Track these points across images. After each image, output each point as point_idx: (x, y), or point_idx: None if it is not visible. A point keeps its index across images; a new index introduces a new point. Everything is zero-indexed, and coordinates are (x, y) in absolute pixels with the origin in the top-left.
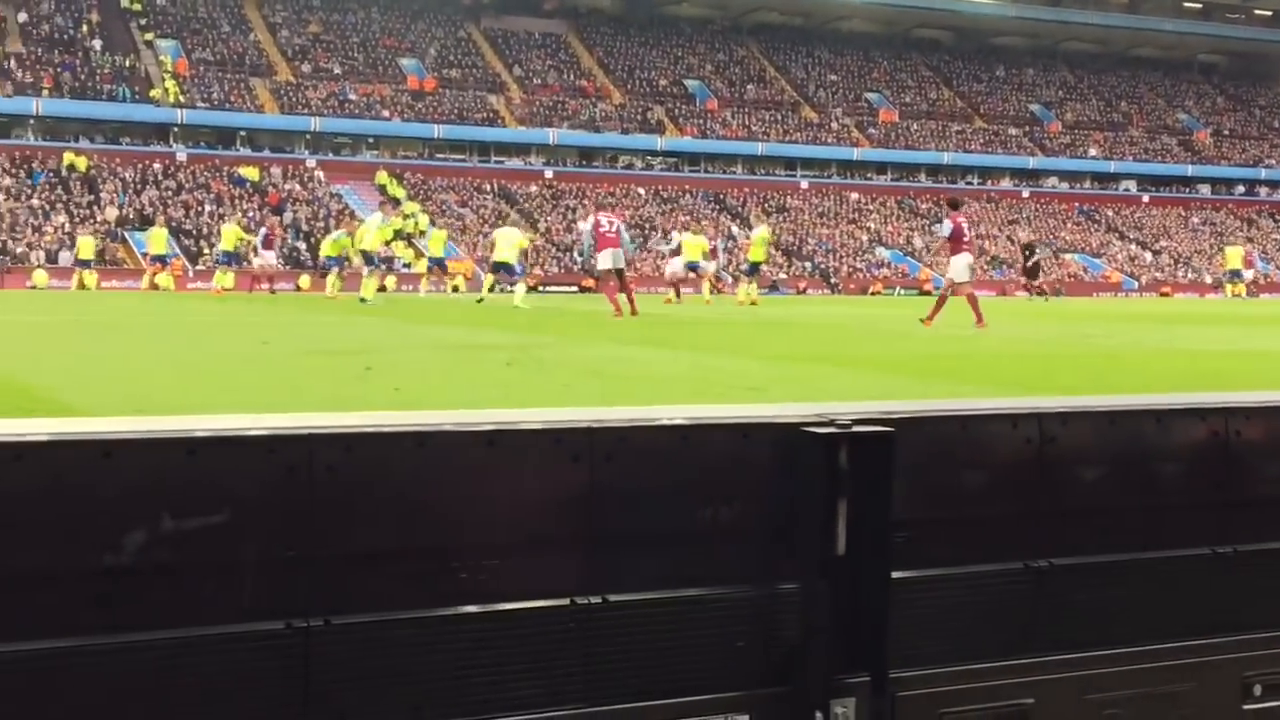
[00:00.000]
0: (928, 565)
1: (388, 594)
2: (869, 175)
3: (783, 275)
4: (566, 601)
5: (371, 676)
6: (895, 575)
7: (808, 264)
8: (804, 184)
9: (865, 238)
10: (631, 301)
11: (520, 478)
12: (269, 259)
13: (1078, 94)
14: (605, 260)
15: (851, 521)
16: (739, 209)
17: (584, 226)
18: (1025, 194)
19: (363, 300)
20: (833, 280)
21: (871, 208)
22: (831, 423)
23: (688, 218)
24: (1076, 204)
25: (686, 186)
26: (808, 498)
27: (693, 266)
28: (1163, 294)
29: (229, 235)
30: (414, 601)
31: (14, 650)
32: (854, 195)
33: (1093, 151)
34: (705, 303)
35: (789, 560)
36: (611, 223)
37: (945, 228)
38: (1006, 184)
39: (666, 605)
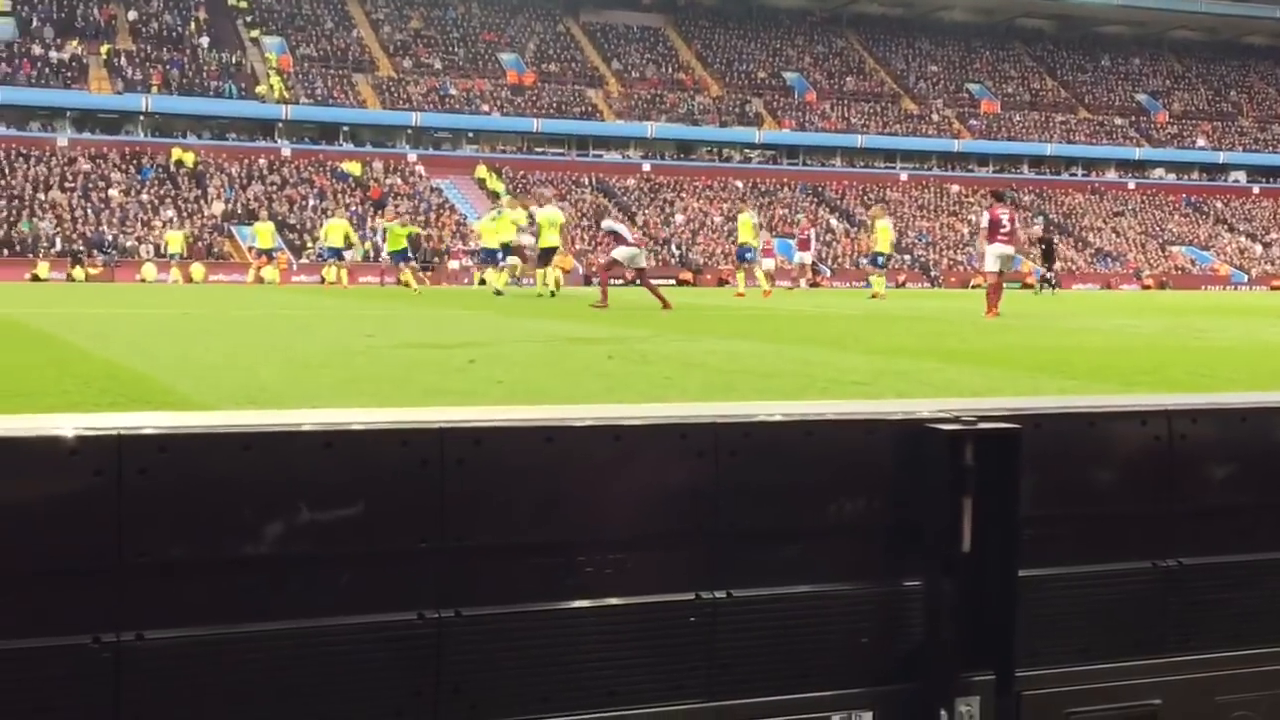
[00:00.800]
0: (1054, 563)
1: (518, 586)
2: (970, 167)
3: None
4: (691, 596)
5: (501, 667)
6: (1022, 573)
7: (907, 257)
8: (904, 176)
9: (966, 230)
10: (660, 296)
11: (646, 473)
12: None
13: (1185, 83)
14: (624, 255)
15: (977, 519)
16: (837, 202)
17: (619, 228)
18: (1131, 185)
19: (497, 293)
20: (933, 273)
21: (973, 200)
22: (957, 419)
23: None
24: (1184, 195)
25: (785, 179)
26: (933, 495)
27: (743, 253)
28: (1274, 288)
29: (335, 230)
30: (542, 593)
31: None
32: (955, 188)
33: (1201, 142)
34: (764, 293)
35: (914, 557)
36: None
37: (984, 218)
38: (1112, 175)
39: (790, 601)
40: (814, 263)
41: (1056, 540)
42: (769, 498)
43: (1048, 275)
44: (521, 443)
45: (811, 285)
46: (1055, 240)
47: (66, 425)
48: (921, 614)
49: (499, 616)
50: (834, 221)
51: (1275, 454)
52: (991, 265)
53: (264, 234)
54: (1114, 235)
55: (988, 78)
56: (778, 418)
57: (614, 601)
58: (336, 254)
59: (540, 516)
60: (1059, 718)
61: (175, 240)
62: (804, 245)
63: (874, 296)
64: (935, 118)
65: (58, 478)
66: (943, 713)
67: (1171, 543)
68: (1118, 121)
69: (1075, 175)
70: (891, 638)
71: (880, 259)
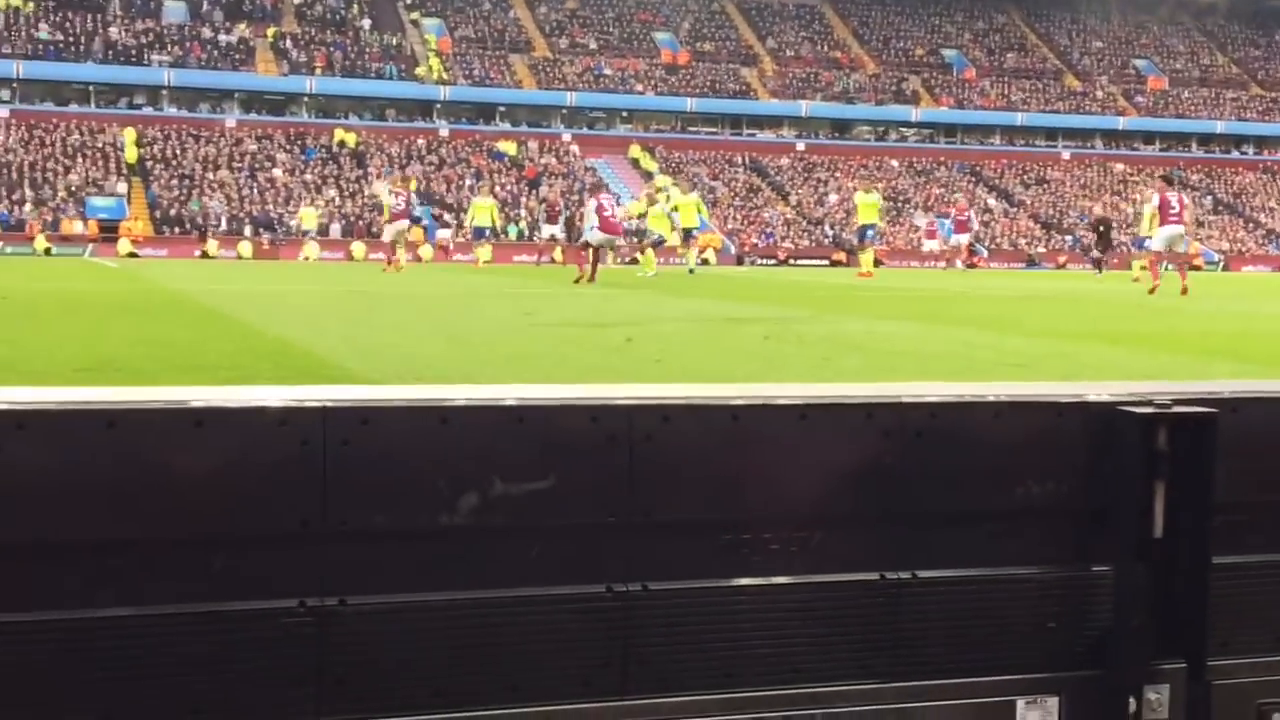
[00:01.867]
0: (1250, 551)
1: (695, 562)
2: (1135, 145)
3: (1042, 249)
4: (876, 576)
5: (682, 641)
6: (1215, 560)
7: (1068, 238)
8: (1066, 155)
9: (1131, 211)
10: (595, 269)
11: (831, 452)
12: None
13: None
14: (598, 238)
15: (1170, 505)
16: (996, 181)
17: (589, 207)
18: None
19: (648, 274)
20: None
21: (1138, 179)
22: (1150, 402)
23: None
24: None
25: (942, 158)
26: (1125, 479)
27: (864, 233)
28: None
29: (482, 210)
30: (720, 570)
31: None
32: (1119, 166)
33: None
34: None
35: (1104, 543)
36: (614, 206)
37: (1154, 199)
38: None
39: (976, 584)
40: (971, 244)
41: (1253, 527)
42: (955, 480)
43: (1101, 258)
44: (704, 422)
45: (969, 266)
46: (1113, 223)
47: (273, 397)
48: (1111, 600)
49: (680, 591)
50: (992, 201)
51: None
52: (1158, 245)
53: (482, 210)
54: None
55: (1155, 53)
56: (966, 398)
57: (798, 580)
58: (481, 233)
59: (723, 495)
60: (1251, 709)
61: (309, 217)
62: (962, 227)
63: (1137, 279)
64: (1099, 94)
65: (267, 446)
66: (1131, 701)
67: None
68: None
69: (1246, 154)
70: (1080, 623)
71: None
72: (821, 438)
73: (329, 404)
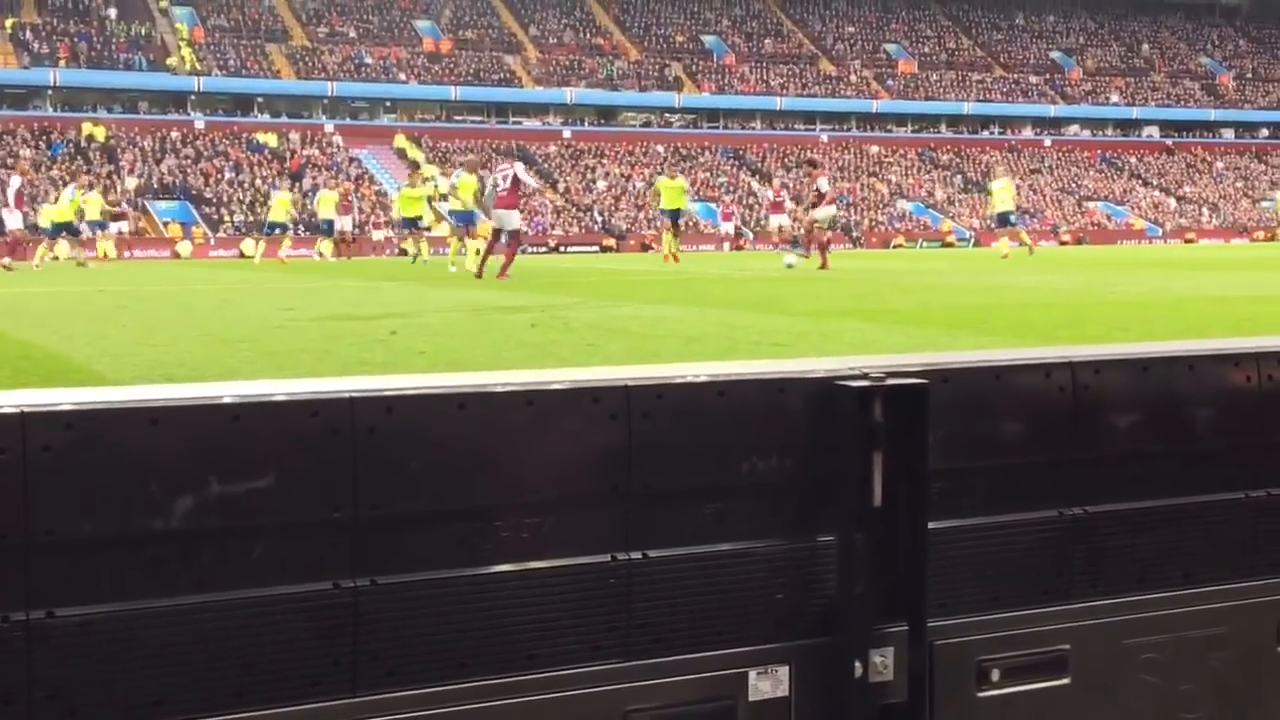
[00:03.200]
0: (964, 515)
1: (435, 552)
2: (889, 128)
3: (802, 231)
4: (608, 558)
5: (413, 634)
6: (932, 525)
7: None
8: (824, 138)
9: (886, 191)
10: (484, 262)
11: (560, 437)
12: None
13: (1099, 40)
14: (513, 221)
15: (887, 474)
16: (759, 165)
17: (499, 179)
18: (1047, 143)
19: (416, 260)
20: (855, 235)
21: (892, 160)
22: (865, 376)
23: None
24: (1099, 151)
25: (705, 143)
26: (844, 451)
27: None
28: (1187, 240)
29: (281, 205)
30: (451, 561)
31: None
32: (874, 148)
33: (1115, 98)
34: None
35: (827, 514)
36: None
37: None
38: (1028, 133)
39: (705, 560)
40: (737, 227)
41: (965, 493)
42: (682, 458)
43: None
44: (436, 409)
45: (735, 249)
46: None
47: None
48: (835, 569)
49: (417, 584)
50: (755, 185)
51: (1175, 402)
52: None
53: (282, 205)
54: (1031, 193)
55: (904, 38)
56: (689, 379)
57: (534, 565)
58: (329, 226)
59: (456, 483)
60: (971, 665)
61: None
62: (776, 208)
63: (1005, 256)
64: (853, 79)
65: None
66: (857, 664)
67: (1077, 491)
68: (1033, 79)
69: (993, 133)
70: (807, 593)
71: (1000, 218)
72: (549, 423)
73: (27, 409)
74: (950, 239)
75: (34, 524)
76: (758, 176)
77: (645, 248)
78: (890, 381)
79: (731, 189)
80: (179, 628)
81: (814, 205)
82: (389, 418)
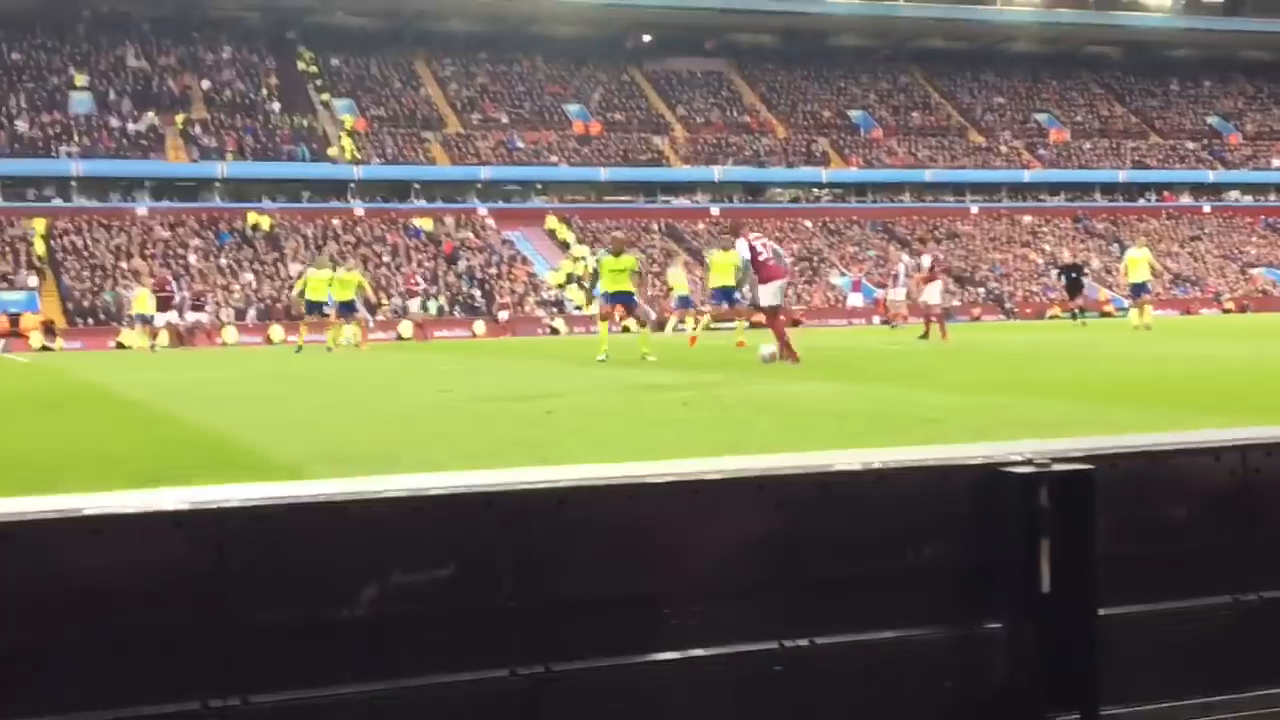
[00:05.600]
0: (1135, 601)
1: (597, 641)
2: (1042, 197)
3: (956, 302)
4: (775, 645)
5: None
6: (1102, 612)
7: (980, 290)
8: (974, 209)
9: (1040, 260)
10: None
11: (726, 525)
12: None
13: (1258, 104)
14: (771, 294)
15: (1055, 560)
16: (908, 237)
17: (740, 253)
18: (1206, 209)
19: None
20: (1007, 305)
21: (1045, 229)
22: (1030, 461)
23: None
24: (1261, 217)
25: (854, 217)
26: (1009, 537)
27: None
28: None
29: (318, 284)
30: (623, 648)
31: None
32: (1026, 218)
33: (1276, 162)
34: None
35: (993, 600)
36: (765, 245)
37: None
38: (1186, 199)
39: (871, 647)
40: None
41: (1137, 578)
42: (846, 546)
43: (1077, 305)
44: (607, 501)
45: (885, 323)
46: (1083, 268)
47: (169, 500)
48: (1003, 657)
49: (589, 671)
50: (906, 257)
51: None
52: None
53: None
54: (1192, 260)
55: (1055, 106)
56: (852, 467)
57: (701, 653)
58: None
59: (625, 571)
60: None
61: (142, 301)
62: (895, 282)
63: (1136, 328)
64: (1003, 149)
65: (162, 549)
66: None
67: (1251, 578)
68: (1190, 145)
69: (1149, 200)
70: (974, 681)
71: (1134, 288)
72: (716, 512)
73: (223, 505)
74: (1108, 308)
75: (230, 613)
76: (907, 250)
77: (795, 323)
78: (1056, 467)
79: (882, 262)
80: (364, 714)
81: (925, 282)
82: (561, 508)
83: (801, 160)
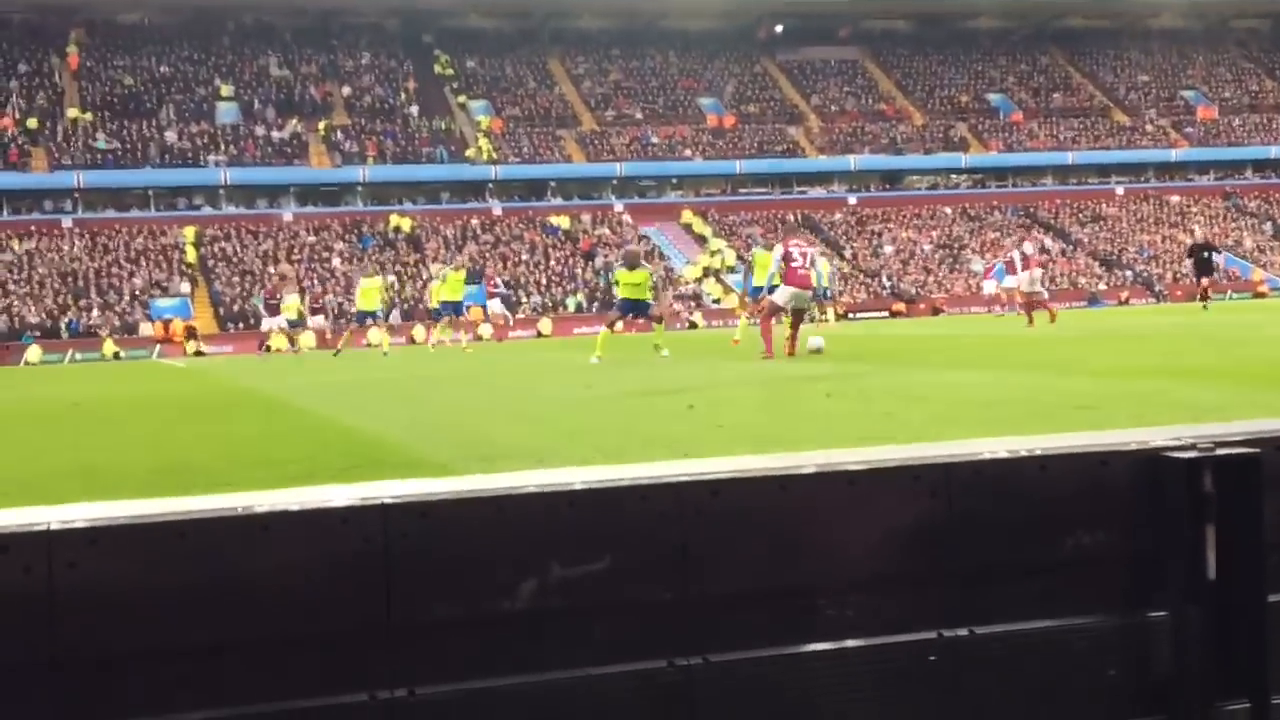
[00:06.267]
0: None
1: (752, 632)
2: (1190, 176)
3: (1102, 286)
4: (934, 635)
5: (745, 713)
6: (1271, 599)
7: (1128, 273)
8: (1119, 190)
9: (1190, 241)
10: (794, 341)
11: (881, 515)
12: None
13: None
14: (783, 296)
15: (1221, 546)
16: (1051, 221)
17: (775, 254)
18: None
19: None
20: (1156, 288)
21: (1195, 209)
22: (1193, 446)
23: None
24: None
25: (995, 203)
26: (1173, 524)
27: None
28: None
29: (370, 292)
30: (779, 639)
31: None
32: (1174, 198)
33: None
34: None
35: (1158, 588)
36: (805, 254)
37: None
38: None
39: (1032, 636)
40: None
41: None
42: (1004, 534)
43: (1205, 287)
44: (760, 491)
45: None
46: (1216, 247)
47: (337, 496)
48: (1169, 645)
49: (745, 662)
50: (1048, 242)
51: None
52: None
53: (369, 293)
54: None
55: (1203, 83)
56: (1008, 454)
57: (857, 643)
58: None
59: (779, 562)
60: None
61: (291, 307)
62: (1010, 269)
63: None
64: (1149, 128)
65: (330, 544)
66: None
67: None
68: None
69: None
70: (1140, 670)
71: None
72: (870, 502)
73: (388, 500)
74: (1262, 289)
75: (396, 607)
76: (1051, 234)
77: (935, 311)
78: (1220, 452)
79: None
80: (526, 705)
81: (1024, 269)
82: (714, 500)
83: (939, 146)
